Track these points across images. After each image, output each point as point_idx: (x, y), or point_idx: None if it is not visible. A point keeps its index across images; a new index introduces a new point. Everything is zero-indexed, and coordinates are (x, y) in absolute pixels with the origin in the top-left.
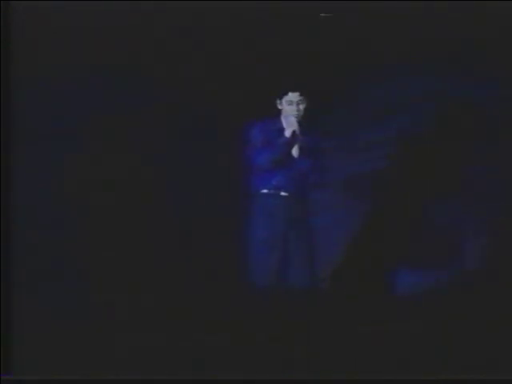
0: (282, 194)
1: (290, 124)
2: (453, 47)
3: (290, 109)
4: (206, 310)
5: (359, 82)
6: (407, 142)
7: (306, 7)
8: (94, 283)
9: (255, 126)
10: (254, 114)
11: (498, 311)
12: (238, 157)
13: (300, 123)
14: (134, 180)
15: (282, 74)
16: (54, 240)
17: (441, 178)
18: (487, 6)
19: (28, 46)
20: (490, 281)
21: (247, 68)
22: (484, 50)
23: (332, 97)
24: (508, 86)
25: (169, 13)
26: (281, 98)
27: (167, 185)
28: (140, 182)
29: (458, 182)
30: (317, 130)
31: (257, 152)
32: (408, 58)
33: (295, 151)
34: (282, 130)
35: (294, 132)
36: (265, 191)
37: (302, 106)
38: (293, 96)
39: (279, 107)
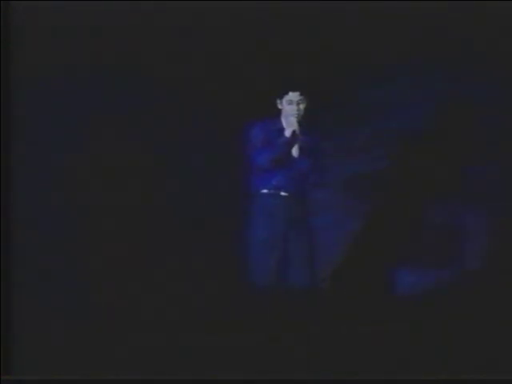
0: (282, 193)
1: (290, 124)
2: (453, 47)
3: (290, 108)
4: (205, 310)
5: (359, 82)
6: (407, 141)
7: (306, 7)
8: (94, 283)
9: (255, 125)
10: (254, 113)
11: (498, 311)
12: (238, 157)
13: (300, 123)
14: (134, 180)
15: (282, 74)
16: (54, 240)
17: (441, 178)
18: (487, 6)
19: (28, 46)
20: (490, 281)
21: (247, 68)
22: (484, 50)
23: (332, 97)
24: (508, 86)
25: (169, 13)
26: (281, 98)
27: (167, 185)
28: (140, 182)
29: (458, 182)
30: (317, 130)
31: (257, 152)
32: (408, 57)
33: (295, 151)
34: (282, 129)
35: (294, 132)
36: (265, 191)
37: (302, 106)
38: (293, 95)
39: (279, 107)
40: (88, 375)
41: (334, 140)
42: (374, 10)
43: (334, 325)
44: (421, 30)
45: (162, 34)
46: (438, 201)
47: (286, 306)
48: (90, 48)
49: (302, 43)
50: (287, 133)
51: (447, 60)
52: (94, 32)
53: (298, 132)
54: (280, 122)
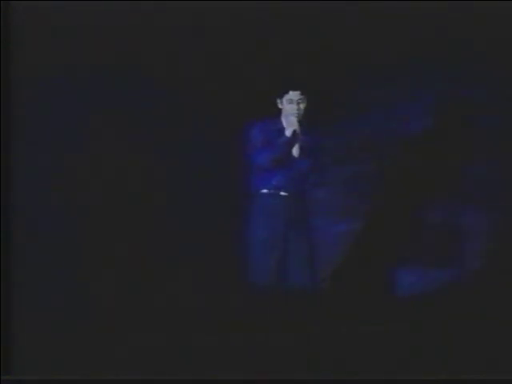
0: (282, 193)
1: (290, 123)
2: (453, 47)
3: (291, 108)
4: (205, 310)
5: (359, 82)
6: (407, 141)
7: (306, 7)
8: (93, 283)
9: (255, 125)
10: (254, 113)
11: (498, 311)
12: (238, 157)
13: (300, 122)
14: (134, 180)
15: (282, 74)
16: (54, 240)
17: (441, 178)
18: (487, 6)
19: (28, 46)
20: (490, 281)
21: (247, 68)
22: (484, 50)
23: (332, 96)
24: (508, 86)
25: (169, 13)
26: (281, 97)
27: (167, 184)
28: (140, 182)
29: (458, 182)
30: (317, 130)
31: (257, 151)
32: (408, 57)
33: (295, 151)
34: (282, 129)
35: (294, 131)
36: (265, 191)
37: (302, 106)
38: (293, 95)
39: (279, 106)
40: (88, 375)
41: (334, 140)
42: (373, 10)
43: (334, 325)
44: (421, 30)
45: (162, 33)
46: (438, 201)
47: (286, 306)
48: (90, 48)
49: (302, 43)
50: (288, 132)
51: (447, 60)
52: (94, 32)
53: (298, 131)
54: (280, 122)
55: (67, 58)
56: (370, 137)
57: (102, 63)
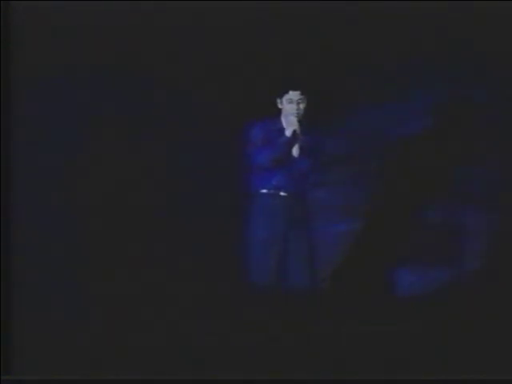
0: (282, 193)
1: (290, 123)
2: (453, 47)
3: (291, 107)
4: (205, 310)
5: (359, 82)
6: (407, 141)
7: (306, 7)
8: (94, 283)
9: (255, 125)
10: (254, 113)
11: (498, 311)
12: (238, 156)
13: (300, 122)
14: (134, 180)
15: (282, 74)
16: (54, 240)
17: (441, 178)
18: (487, 6)
19: (28, 46)
20: (490, 281)
21: (247, 68)
22: (484, 50)
23: (332, 96)
24: (508, 86)
25: (169, 13)
26: (281, 97)
27: (167, 184)
28: (140, 181)
29: (458, 182)
30: (317, 130)
31: (257, 151)
32: (408, 57)
33: (295, 151)
34: (282, 129)
35: (294, 131)
36: (265, 191)
37: (302, 105)
38: (293, 94)
39: (279, 106)
40: (88, 375)
41: (334, 140)
42: (374, 10)
43: (334, 325)
44: (421, 29)
45: (162, 33)
46: (438, 201)
47: (285, 306)
48: (90, 48)
49: (302, 43)
50: (288, 132)
51: (447, 60)
52: (94, 32)
53: (298, 131)
54: (280, 122)
55: (67, 58)
56: (370, 137)
57: (102, 63)
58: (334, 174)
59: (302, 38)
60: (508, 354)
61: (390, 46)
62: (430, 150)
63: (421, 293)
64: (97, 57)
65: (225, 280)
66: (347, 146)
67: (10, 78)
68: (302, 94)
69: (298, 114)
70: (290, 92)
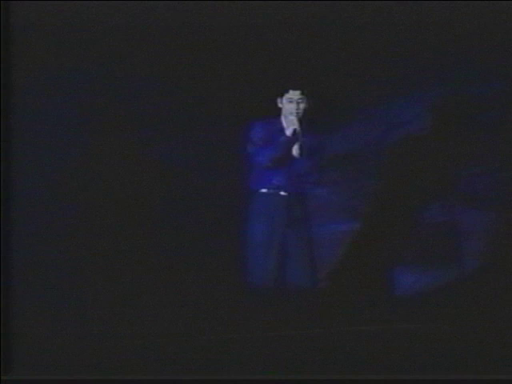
0: (282, 193)
1: (290, 123)
2: (452, 47)
3: (291, 107)
4: (204, 310)
5: (359, 82)
6: (407, 140)
7: (306, 7)
8: (94, 283)
9: (256, 125)
10: (254, 113)
11: (498, 311)
12: (238, 156)
13: (300, 122)
14: (134, 179)
15: (282, 74)
16: (54, 240)
17: (441, 178)
18: (487, 6)
19: (28, 46)
20: (490, 281)
21: (247, 68)
22: (484, 50)
23: (332, 96)
24: (508, 86)
25: (168, 13)
26: (281, 96)
27: (167, 184)
28: (139, 181)
29: (458, 182)
30: (317, 130)
31: (257, 151)
32: (408, 58)
33: (296, 150)
34: (282, 129)
35: (294, 131)
36: (264, 190)
37: (302, 105)
38: (293, 94)
39: (280, 105)
40: (88, 375)
41: (334, 139)
42: (374, 10)
43: (334, 325)
44: (421, 29)
45: (162, 33)
46: (438, 201)
47: (285, 306)
48: (90, 48)
49: (303, 43)
50: (288, 132)
51: (447, 60)
52: (94, 32)
53: (298, 131)
54: (280, 122)
55: (67, 58)
56: (370, 137)
57: (102, 63)
58: (334, 174)
59: (302, 37)
60: (508, 354)
61: (390, 45)
62: (430, 149)
63: (421, 293)
64: (97, 56)
65: (224, 280)
66: (347, 145)
67: (10, 78)
68: (302, 93)
69: (298, 113)
70: (291, 91)
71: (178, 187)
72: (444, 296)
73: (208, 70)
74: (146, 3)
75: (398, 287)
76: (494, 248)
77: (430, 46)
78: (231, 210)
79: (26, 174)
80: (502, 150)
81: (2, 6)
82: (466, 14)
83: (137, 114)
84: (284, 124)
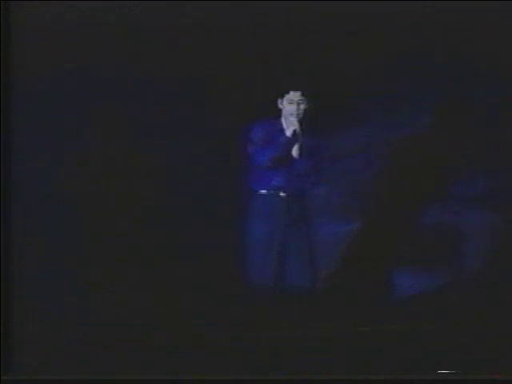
0: (282, 193)
1: (290, 123)
2: (452, 47)
3: (291, 108)
4: (204, 310)
5: (359, 82)
6: (407, 141)
7: (307, 7)
8: (94, 283)
9: (256, 125)
10: (254, 113)
11: (498, 311)
12: (237, 156)
13: (301, 123)
14: (134, 179)
15: (282, 74)
16: (54, 240)
17: (441, 178)
18: (487, 6)
19: (28, 46)
20: (490, 281)
21: (247, 68)
22: (484, 50)
23: (332, 97)
24: (508, 86)
25: (169, 13)
26: (282, 97)
27: (167, 184)
28: (140, 182)
29: (457, 182)
30: (317, 130)
31: (257, 151)
32: (408, 58)
33: (295, 151)
34: (282, 129)
35: (294, 131)
36: (264, 191)
37: (302, 106)
38: (294, 95)
39: (280, 106)
40: (88, 375)
41: (334, 140)
42: (374, 11)
43: (334, 325)
44: (421, 30)
45: (162, 33)
46: (438, 201)
47: (285, 306)
48: (90, 48)
49: (303, 43)
50: (288, 132)
51: (447, 60)
52: (94, 32)
53: (298, 131)
54: (280, 123)
55: (67, 58)
56: (370, 137)
57: (102, 63)
58: (333, 174)
59: (302, 37)
60: (508, 354)
61: (390, 46)
62: (430, 150)
63: (421, 293)
64: (97, 56)
65: (224, 280)
66: (347, 146)
67: (10, 78)
68: (302, 94)
69: (298, 114)
70: (291, 92)
71: (178, 187)
72: (444, 296)
73: (208, 71)
74: (146, 3)
75: (398, 287)
76: (494, 248)
77: (429, 47)
78: (231, 210)
79: (26, 174)
80: (502, 150)
81: (2, 6)
82: (466, 14)
83: (137, 114)
84: (284, 125)
